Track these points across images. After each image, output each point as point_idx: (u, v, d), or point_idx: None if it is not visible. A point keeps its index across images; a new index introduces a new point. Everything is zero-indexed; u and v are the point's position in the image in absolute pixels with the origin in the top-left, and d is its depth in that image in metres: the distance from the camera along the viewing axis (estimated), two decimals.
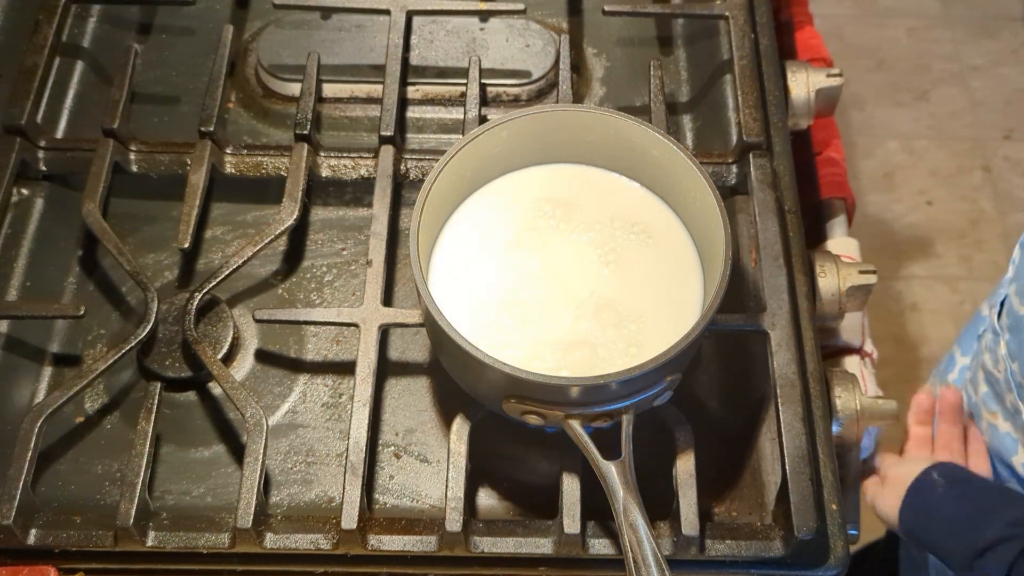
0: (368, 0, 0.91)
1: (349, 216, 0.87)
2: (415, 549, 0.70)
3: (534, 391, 0.65)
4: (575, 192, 0.77)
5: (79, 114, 0.91)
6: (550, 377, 0.64)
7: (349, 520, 0.69)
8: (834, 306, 0.80)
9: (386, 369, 0.79)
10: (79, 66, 0.94)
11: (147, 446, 0.71)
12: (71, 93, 0.92)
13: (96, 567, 0.70)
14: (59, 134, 0.89)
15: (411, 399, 0.79)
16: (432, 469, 0.76)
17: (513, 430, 0.74)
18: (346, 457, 0.70)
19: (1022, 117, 1.97)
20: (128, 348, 0.74)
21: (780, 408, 0.72)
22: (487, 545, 0.70)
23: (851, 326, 0.87)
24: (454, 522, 0.68)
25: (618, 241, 0.75)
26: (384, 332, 0.76)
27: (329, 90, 0.91)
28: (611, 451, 0.65)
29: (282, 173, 0.84)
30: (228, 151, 0.85)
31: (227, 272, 0.78)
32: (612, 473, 0.64)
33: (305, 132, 0.84)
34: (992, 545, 0.75)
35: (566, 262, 0.74)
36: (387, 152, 0.83)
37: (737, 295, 0.81)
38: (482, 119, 0.87)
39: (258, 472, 0.69)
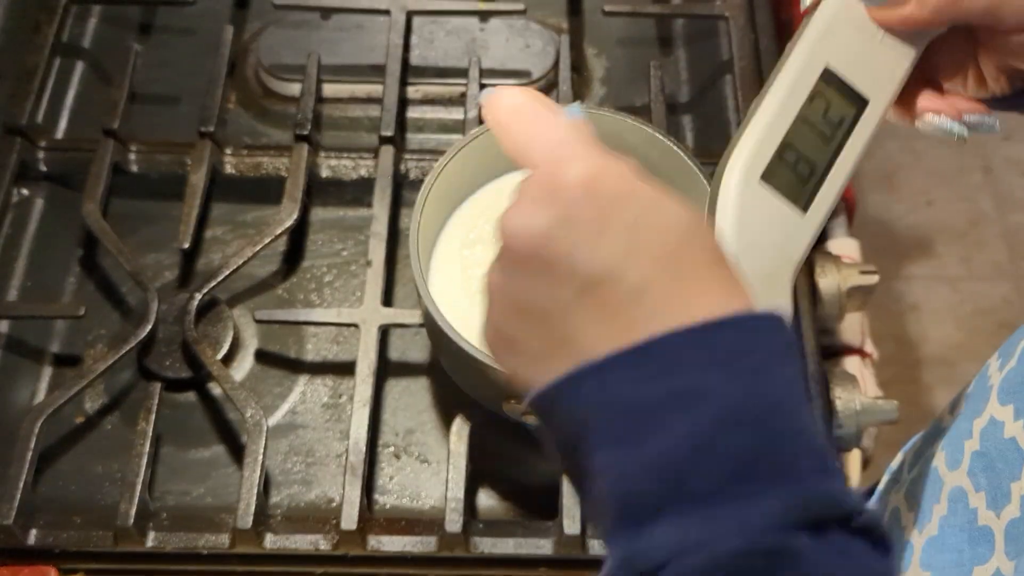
0: (368, 0, 0.91)
1: (349, 216, 0.87)
2: (415, 550, 0.70)
3: None
4: None
5: (79, 114, 0.91)
6: None
7: (349, 521, 0.69)
8: (834, 306, 0.80)
9: (386, 369, 0.79)
10: (79, 66, 0.93)
11: (147, 446, 0.71)
12: (71, 93, 0.92)
13: (96, 567, 0.70)
14: (59, 134, 0.89)
15: (411, 399, 0.79)
16: (432, 469, 0.76)
17: (513, 430, 0.74)
18: (346, 457, 0.70)
19: (1022, 117, 1.97)
20: (128, 348, 0.74)
21: None
22: (487, 546, 0.70)
23: (851, 326, 0.87)
24: (454, 523, 0.68)
25: None
26: (384, 332, 0.76)
27: (329, 90, 0.91)
28: None
29: (282, 173, 0.84)
30: (228, 151, 0.85)
31: (227, 272, 0.78)
32: None
33: (305, 132, 0.84)
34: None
35: None
36: (387, 152, 0.83)
37: None
38: (482, 119, 0.87)
39: (258, 472, 0.69)
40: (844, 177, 0.53)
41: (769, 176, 0.50)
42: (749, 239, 0.49)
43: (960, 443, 0.51)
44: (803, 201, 0.51)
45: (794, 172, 0.51)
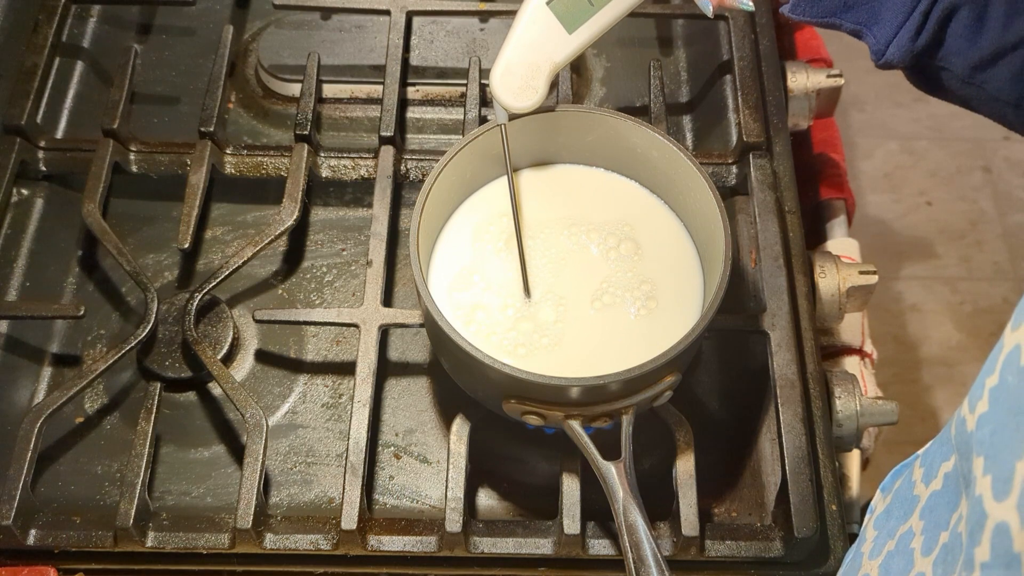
0: (368, 0, 0.91)
1: (349, 216, 0.87)
2: (415, 550, 0.70)
3: (534, 391, 0.65)
4: (575, 193, 0.77)
5: (79, 114, 0.91)
6: (550, 377, 0.64)
7: (349, 520, 0.69)
8: (834, 306, 0.80)
9: (386, 369, 0.79)
10: (79, 66, 0.94)
11: (147, 446, 0.71)
12: (71, 93, 0.92)
13: (96, 567, 0.70)
14: (59, 134, 0.89)
15: (411, 399, 0.79)
16: (432, 469, 0.76)
17: (513, 430, 0.74)
18: (346, 457, 0.70)
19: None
20: (128, 348, 0.74)
21: (780, 408, 0.72)
22: (487, 545, 0.70)
23: (851, 326, 0.87)
24: (454, 523, 0.69)
25: (617, 241, 0.75)
26: (384, 332, 0.76)
27: (329, 90, 0.91)
28: (611, 451, 0.65)
29: (282, 173, 0.84)
30: (228, 151, 0.85)
31: (227, 272, 0.78)
32: (612, 473, 0.64)
33: (305, 132, 0.84)
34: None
35: (566, 262, 0.74)
36: (387, 152, 0.83)
37: (737, 295, 0.81)
38: (482, 119, 0.87)
39: (258, 472, 0.69)
40: (609, 19, 0.72)
41: (554, 5, 0.71)
42: (530, 36, 0.71)
43: (936, 533, 0.51)
44: (572, 26, 0.71)
45: (574, 5, 0.71)
